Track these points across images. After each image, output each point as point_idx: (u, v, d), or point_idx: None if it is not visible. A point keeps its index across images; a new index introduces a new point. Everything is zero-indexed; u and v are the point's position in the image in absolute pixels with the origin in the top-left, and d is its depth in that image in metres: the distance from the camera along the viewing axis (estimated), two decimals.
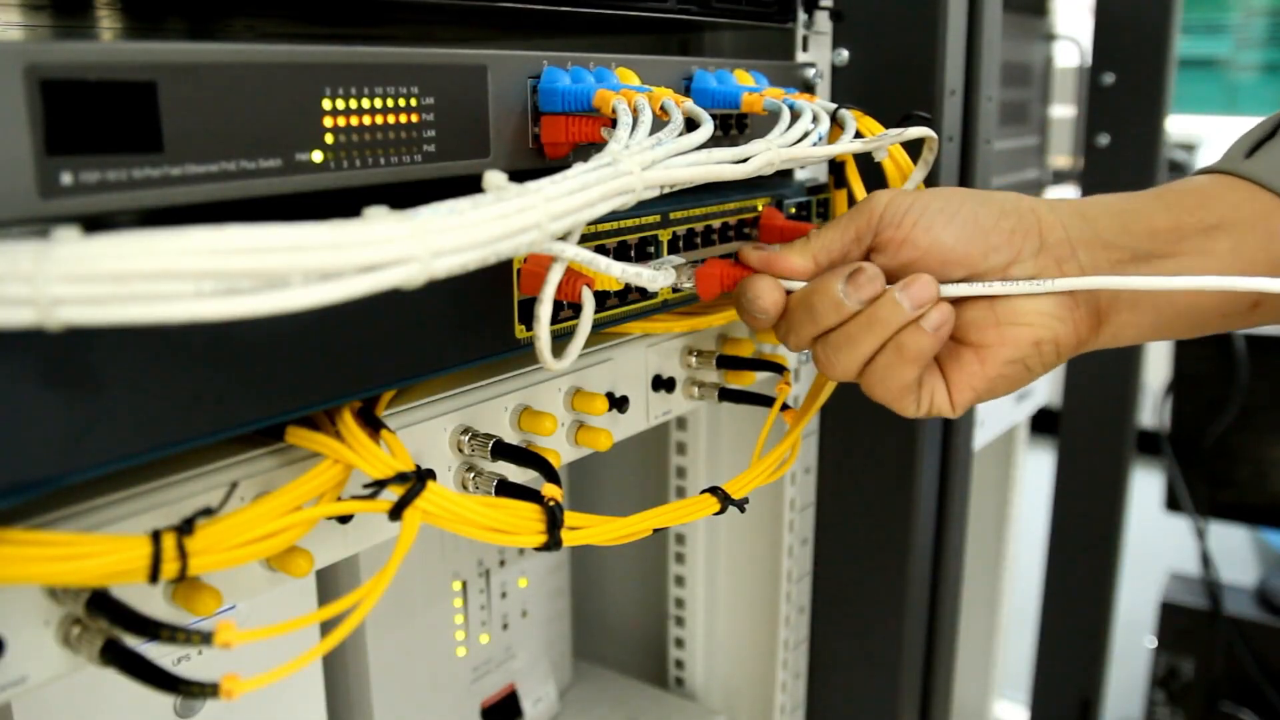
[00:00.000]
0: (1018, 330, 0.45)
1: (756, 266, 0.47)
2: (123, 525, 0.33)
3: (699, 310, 0.56)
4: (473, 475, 0.44)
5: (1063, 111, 1.26)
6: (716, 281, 0.48)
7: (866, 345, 0.44)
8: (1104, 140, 1.09)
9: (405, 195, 0.32)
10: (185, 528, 0.31)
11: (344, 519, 0.39)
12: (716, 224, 0.53)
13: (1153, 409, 1.32)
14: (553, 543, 0.39)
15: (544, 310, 0.38)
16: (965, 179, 0.65)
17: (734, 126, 0.54)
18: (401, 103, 0.37)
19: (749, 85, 0.51)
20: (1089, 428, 1.17)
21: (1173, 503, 1.32)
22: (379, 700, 0.64)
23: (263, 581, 0.37)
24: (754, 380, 0.60)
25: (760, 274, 0.47)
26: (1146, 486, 1.47)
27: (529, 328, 0.43)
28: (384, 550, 0.42)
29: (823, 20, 0.63)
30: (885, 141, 0.50)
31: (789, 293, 0.47)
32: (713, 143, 0.41)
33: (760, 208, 0.56)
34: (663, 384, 0.56)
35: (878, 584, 0.71)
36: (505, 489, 0.43)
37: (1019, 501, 1.28)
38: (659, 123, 0.40)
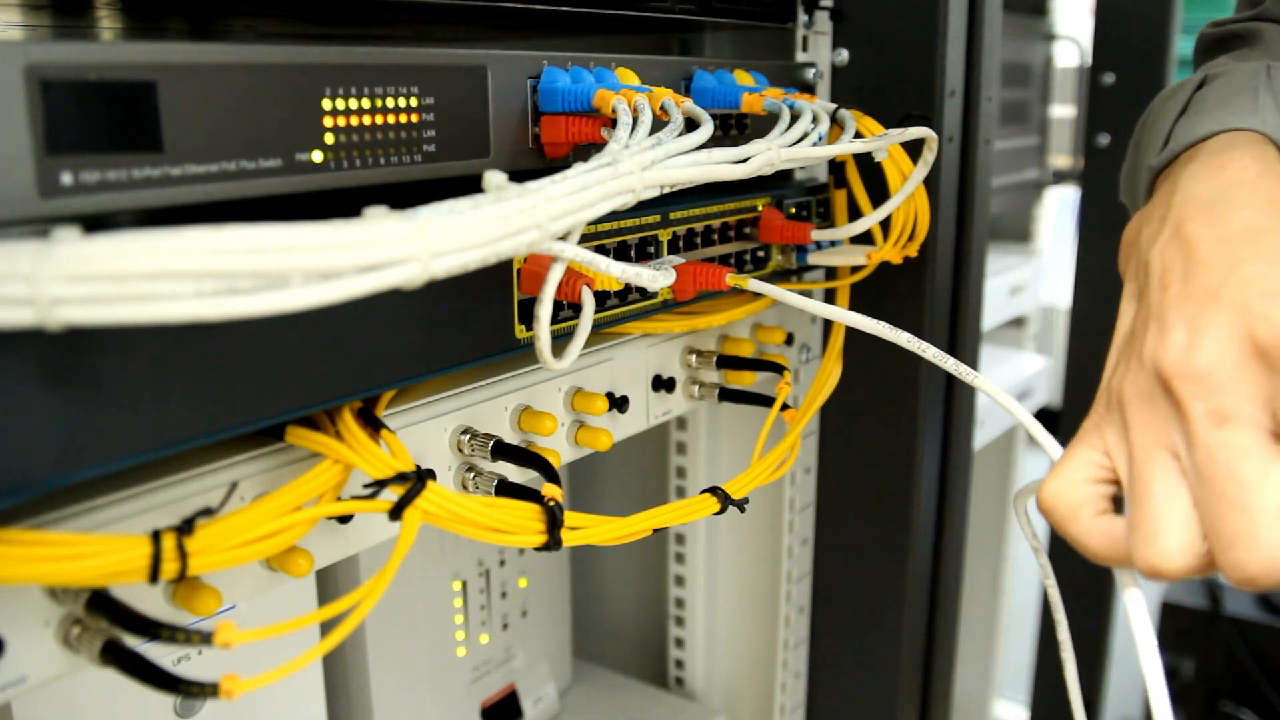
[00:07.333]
0: None
1: None
2: (123, 525, 0.33)
3: (699, 310, 0.56)
4: (473, 475, 0.44)
5: (1063, 111, 1.26)
6: (690, 281, 0.49)
7: None
8: (1104, 140, 1.09)
9: (405, 195, 0.32)
10: (185, 528, 0.31)
11: (344, 519, 0.39)
12: (716, 224, 0.53)
13: None
14: (553, 543, 0.39)
15: (544, 310, 0.38)
16: (965, 179, 0.65)
17: (734, 126, 0.54)
18: (401, 103, 0.37)
19: (749, 85, 0.51)
20: None
21: None
22: (379, 700, 0.64)
23: (263, 581, 0.37)
24: (754, 380, 0.60)
25: None
26: None
27: (529, 328, 0.43)
28: (384, 550, 0.42)
29: (823, 20, 0.63)
30: (885, 142, 0.50)
31: None
32: (713, 143, 0.41)
33: (760, 208, 0.56)
34: (663, 384, 0.55)
35: (878, 584, 0.71)
36: (505, 489, 0.43)
37: None
38: (659, 123, 0.40)
